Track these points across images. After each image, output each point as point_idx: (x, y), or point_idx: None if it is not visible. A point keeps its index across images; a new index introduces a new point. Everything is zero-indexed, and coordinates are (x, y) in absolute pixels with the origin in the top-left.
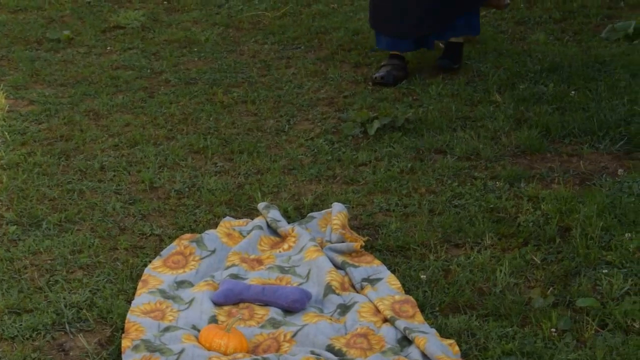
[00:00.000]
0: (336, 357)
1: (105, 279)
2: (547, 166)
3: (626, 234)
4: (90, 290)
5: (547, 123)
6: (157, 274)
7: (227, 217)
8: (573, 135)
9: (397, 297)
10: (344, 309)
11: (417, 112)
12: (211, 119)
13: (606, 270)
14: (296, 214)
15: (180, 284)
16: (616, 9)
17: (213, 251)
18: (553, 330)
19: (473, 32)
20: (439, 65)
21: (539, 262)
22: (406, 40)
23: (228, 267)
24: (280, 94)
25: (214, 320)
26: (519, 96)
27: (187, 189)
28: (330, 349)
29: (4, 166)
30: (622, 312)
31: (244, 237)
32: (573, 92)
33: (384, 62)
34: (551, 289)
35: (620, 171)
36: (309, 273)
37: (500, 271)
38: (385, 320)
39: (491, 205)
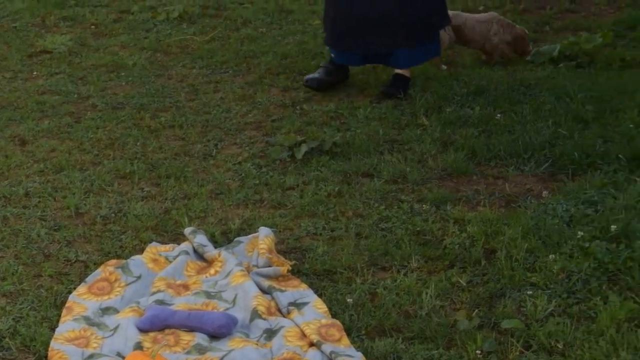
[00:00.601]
0: None
1: (29, 307)
2: (473, 189)
3: (550, 256)
4: (13, 318)
5: (473, 146)
6: (82, 300)
7: (154, 243)
8: (499, 158)
9: (323, 321)
10: (270, 333)
11: (344, 135)
12: (138, 143)
13: (530, 292)
14: (223, 238)
15: (105, 310)
16: (541, 33)
17: (139, 277)
18: (478, 352)
19: (413, 63)
20: (382, 92)
21: (464, 284)
22: (354, 55)
23: (154, 293)
24: (208, 119)
25: (139, 346)
26: (445, 119)
27: (113, 215)
28: None
29: None
30: (546, 333)
31: (170, 262)
32: (499, 115)
33: (320, 64)
34: (476, 311)
35: (544, 193)
36: (235, 298)
37: (426, 294)
38: (312, 344)
39: (417, 228)
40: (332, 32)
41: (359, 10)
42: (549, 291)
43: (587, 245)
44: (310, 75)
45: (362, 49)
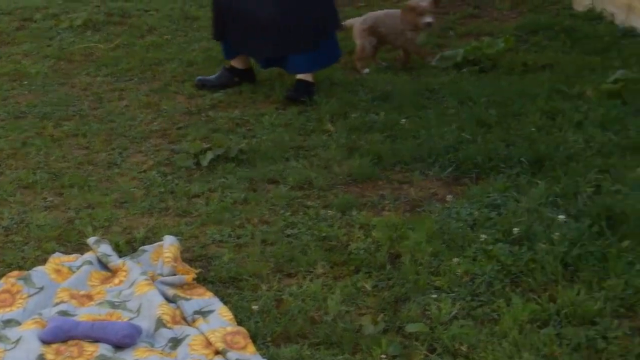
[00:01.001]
0: None
1: None
2: (379, 194)
3: (454, 259)
4: None
5: (379, 151)
6: None
7: (57, 253)
8: (404, 163)
9: (229, 328)
10: (175, 342)
11: (250, 142)
12: (41, 153)
13: (435, 295)
14: (128, 248)
15: (7, 322)
16: (445, 38)
17: (41, 288)
18: (383, 356)
19: (309, 68)
20: (286, 97)
21: (370, 289)
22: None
23: (57, 304)
24: (112, 127)
25: (41, 359)
26: (351, 125)
27: (15, 225)
28: None
29: None
30: (450, 336)
31: (74, 272)
32: (404, 120)
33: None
34: (382, 315)
35: (449, 197)
36: (139, 307)
37: (332, 299)
38: (217, 352)
39: (323, 234)
40: (216, 29)
41: (245, 13)
42: (453, 294)
43: (490, 248)
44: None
45: (248, 51)
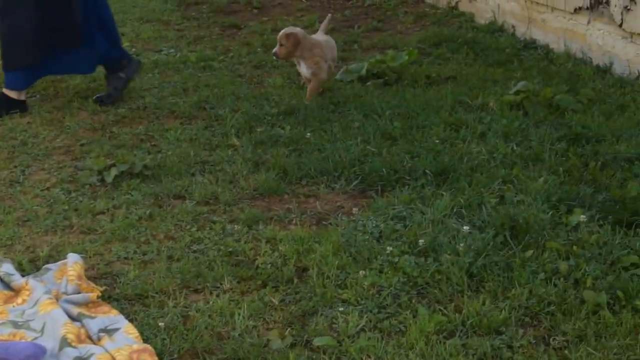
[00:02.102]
0: None
1: None
2: (285, 207)
3: (361, 272)
4: None
5: (284, 165)
6: None
7: None
8: (310, 177)
9: (135, 346)
10: None
11: (155, 157)
12: None
13: (342, 308)
14: (31, 266)
15: None
16: (350, 51)
17: None
18: None
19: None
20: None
21: (277, 303)
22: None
23: None
24: (14, 144)
25: None
26: (257, 139)
27: None
28: None
29: None
30: (357, 348)
31: None
32: (309, 133)
33: None
34: (289, 329)
35: (355, 210)
36: (43, 327)
37: (239, 314)
38: None
39: (230, 249)
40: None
41: None
42: (360, 307)
43: (396, 260)
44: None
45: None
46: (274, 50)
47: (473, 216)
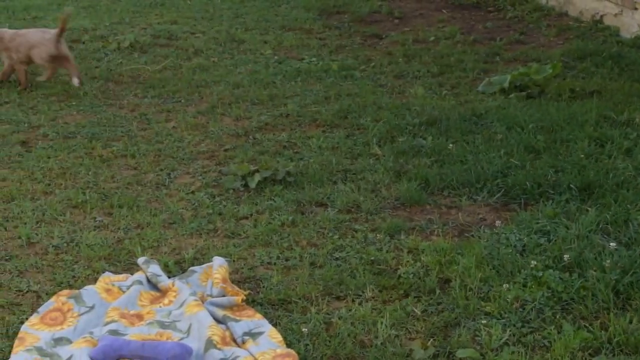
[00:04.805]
0: None
1: None
2: (427, 218)
3: (504, 285)
4: None
5: (426, 175)
6: (34, 331)
7: (107, 273)
8: (451, 188)
9: (278, 350)
10: None
11: (297, 165)
12: (90, 173)
13: (485, 321)
14: (177, 268)
15: (58, 341)
16: (492, 63)
17: (92, 307)
18: None
19: None
20: None
21: (419, 313)
22: None
23: (107, 323)
24: (160, 148)
25: None
26: (398, 149)
27: (65, 244)
28: None
29: None
30: None
31: (124, 292)
32: (451, 145)
33: None
34: (431, 340)
35: (497, 222)
36: (189, 328)
37: (382, 323)
38: None
39: (372, 258)
40: None
41: None
42: (504, 320)
43: (540, 274)
44: None
45: None
46: None
47: (619, 233)
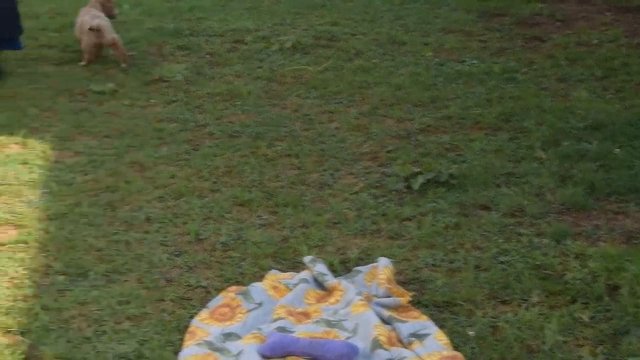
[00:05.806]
0: None
1: (153, 330)
2: (593, 224)
3: None
4: (137, 341)
5: (592, 180)
6: (204, 325)
7: (273, 270)
8: (618, 193)
9: (445, 353)
10: None
11: (460, 167)
12: (255, 172)
13: None
14: (342, 268)
15: (228, 336)
16: None
17: (260, 304)
18: None
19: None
20: None
21: (587, 320)
22: None
23: (275, 320)
24: (323, 148)
25: None
26: (562, 153)
27: (232, 242)
28: None
29: (51, 217)
30: None
31: (290, 290)
32: (617, 149)
33: None
34: (601, 347)
35: None
36: (355, 327)
37: (549, 329)
38: None
39: (537, 262)
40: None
41: None
42: None
43: None
44: None
45: None
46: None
47: None
